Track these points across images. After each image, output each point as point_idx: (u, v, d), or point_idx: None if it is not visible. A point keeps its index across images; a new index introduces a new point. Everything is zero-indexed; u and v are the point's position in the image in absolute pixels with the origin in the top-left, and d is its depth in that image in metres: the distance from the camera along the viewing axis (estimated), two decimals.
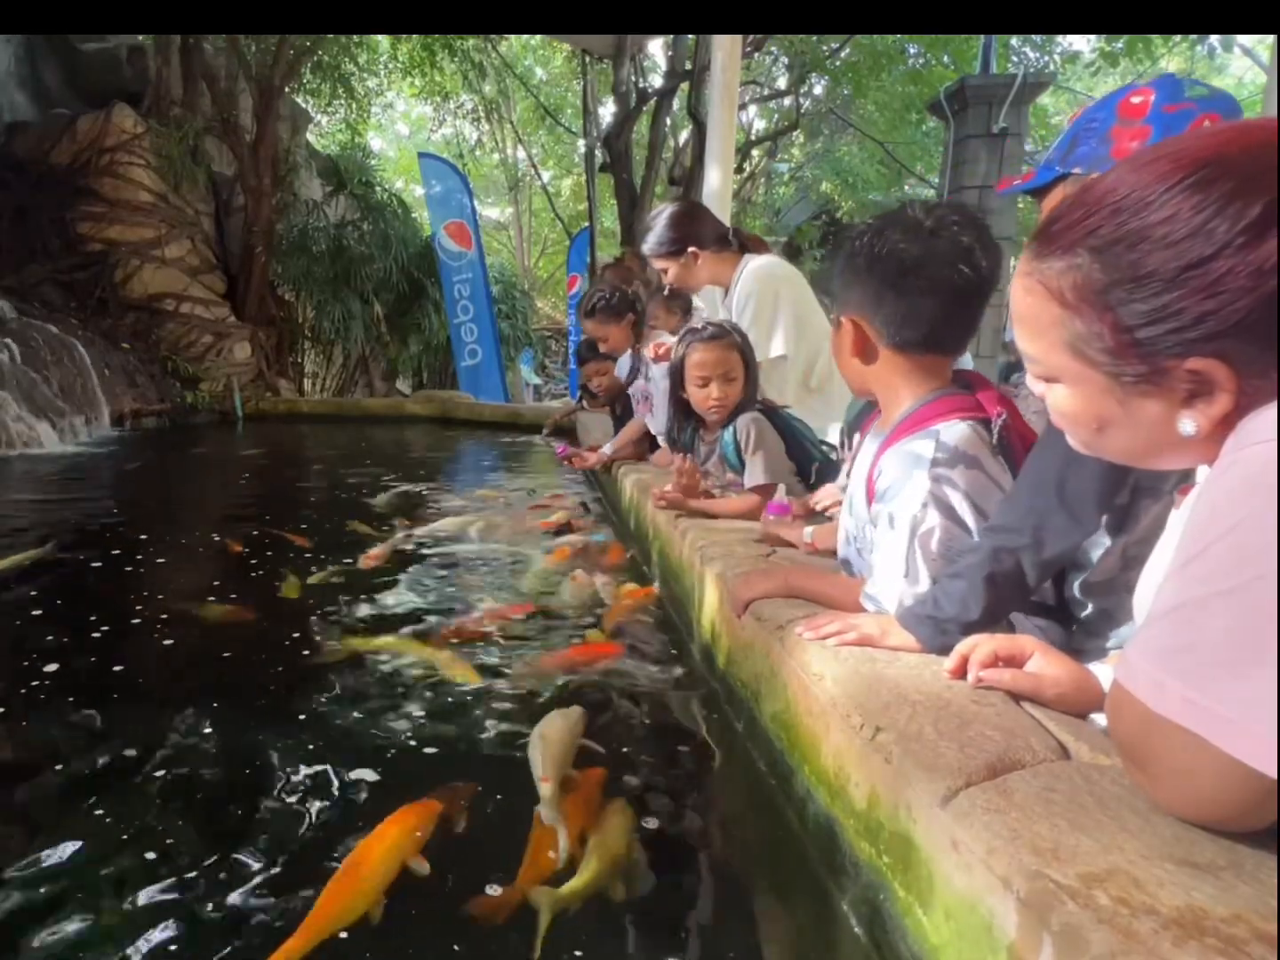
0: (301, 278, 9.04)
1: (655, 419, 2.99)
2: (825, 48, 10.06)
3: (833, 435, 2.23)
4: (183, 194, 8.11)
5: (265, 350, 8.57)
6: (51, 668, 1.58)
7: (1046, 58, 10.80)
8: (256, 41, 8.25)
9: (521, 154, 17.60)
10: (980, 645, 0.92)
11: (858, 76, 10.46)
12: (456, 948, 0.87)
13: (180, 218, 8.02)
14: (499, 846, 1.03)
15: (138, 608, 1.98)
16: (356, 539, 2.73)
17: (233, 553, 2.56)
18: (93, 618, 1.87)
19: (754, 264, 2.47)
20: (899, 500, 1.12)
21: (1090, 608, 1.03)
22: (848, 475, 1.42)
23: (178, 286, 7.86)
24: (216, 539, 2.85)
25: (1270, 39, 3.66)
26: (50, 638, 1.76)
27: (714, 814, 1.16)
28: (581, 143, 11.24)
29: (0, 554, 2.35)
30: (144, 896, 0.93)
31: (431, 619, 1.92)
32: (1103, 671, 0.87)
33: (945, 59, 10.14)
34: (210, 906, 0.91)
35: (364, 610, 1.99)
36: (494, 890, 0.94)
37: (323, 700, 1.47)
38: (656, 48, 10.68)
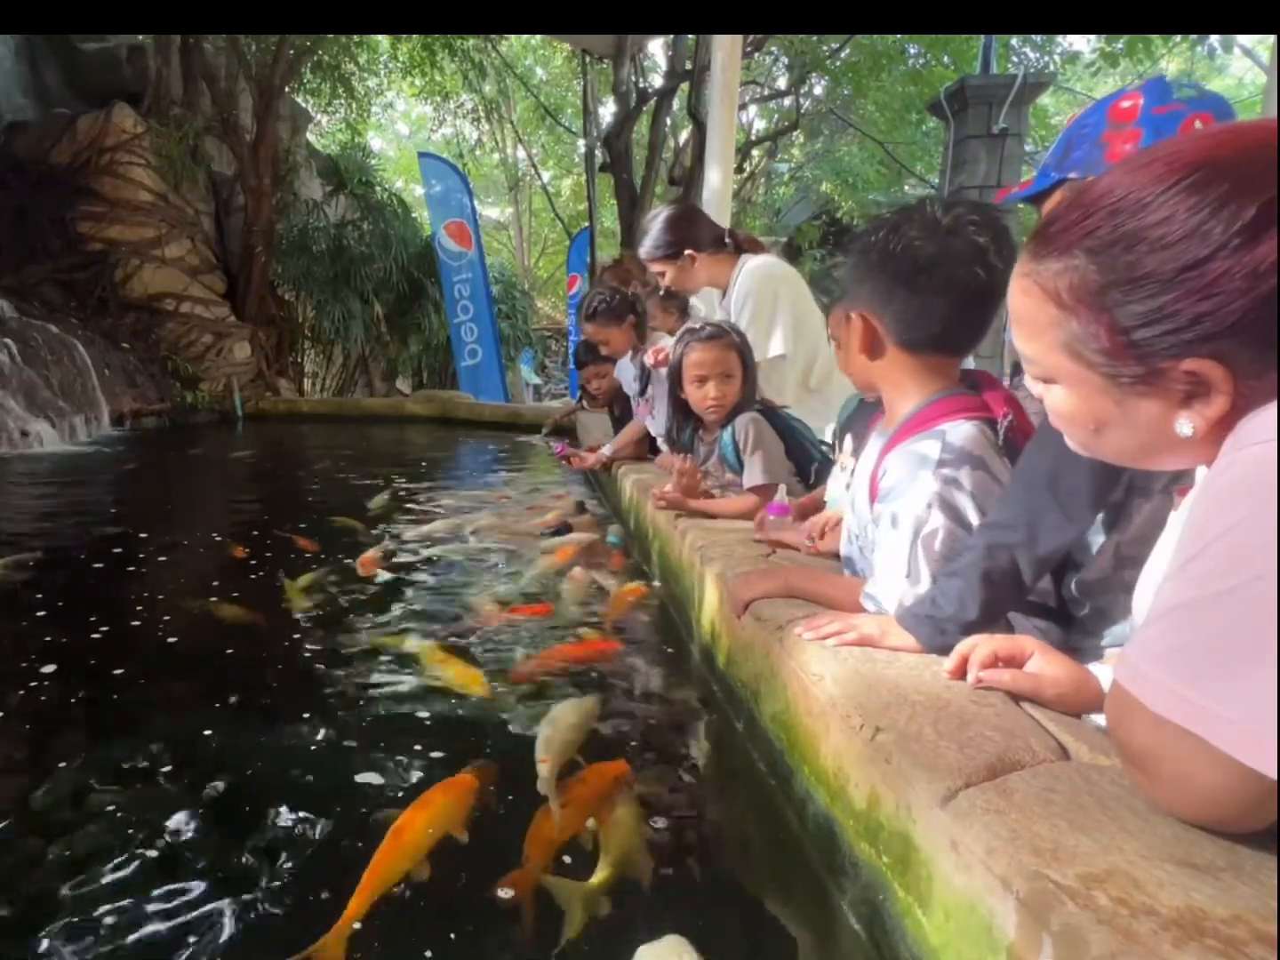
0: (301, 277, 9.04)
1: (656, 421, 2.99)
2: (825, 48, 10.05)
3: (831, 435, 2.23)
4: (183, 194, 8.11)
5: (265, 350, 8.57)
6: (50, 669, 1.58)
7: (1046, 58, 10.79)
8: (256, 41, 8.25)
9: (521, 154, 17.60)
10: (980, 645, 0.92)
11: (858, 76, 10.45)
12: (453, 937, 0.87)
13: (180, 217, 8.02)
14: (507, 833, 1.04)
15: (138, 608, 1.98)
16: (356, 539, 2.73)
17: (233, 552, 2.56)
18: (93, 618, 1.88)
19: (751, 264, 2.47)
20: (903, 500, 1.12)
21: (1086, 607, 1.03)
22: (852, 473, 1.42)
23: (178, 286, 7.86)
24: (217, 539, 2.86)
25: (1270, 39, 3.66)
26: (50, 638, 1.76)
27: (714, 814, 1.16)
28: (581, 143, 11.25)
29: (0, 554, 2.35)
30: (145, 897, 0.93)
31: (431, 619, 1.92)
32: (1102, 672, 0.87)
33: (945, 59, 10.13)
34: (214, 906, 0.91)
35: (364, 610, 1.98)
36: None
37: (325, 700, 1.47)
38: (656, 48, 10.69)
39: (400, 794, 1.14)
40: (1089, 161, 1.12)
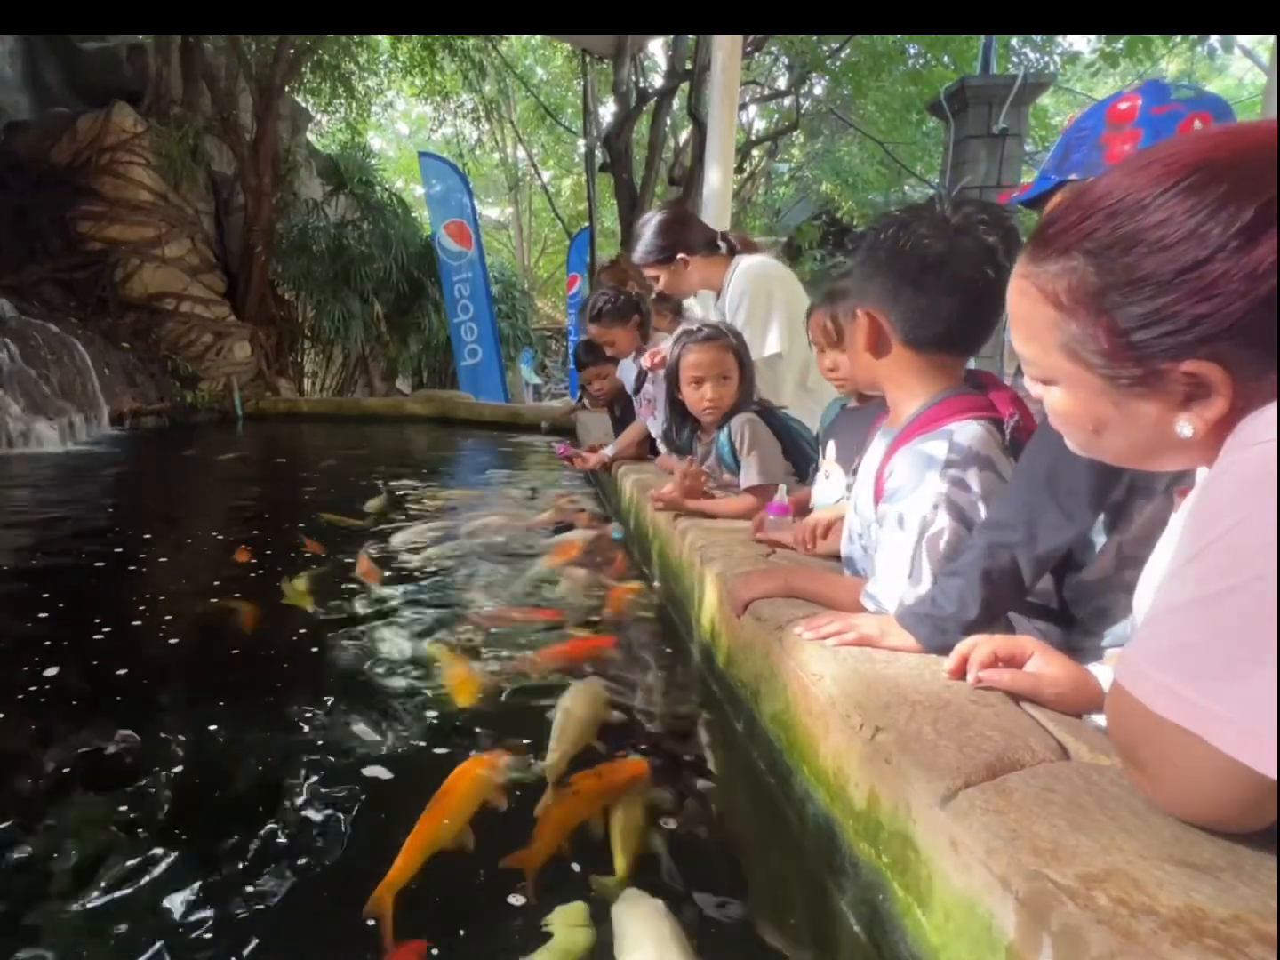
0: (301, 277, 9.03)
1: (657, 422, 2.99)
2: (825, 48, 10.04)
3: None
4: (182, 193, 8.09)
5: (265, 349, 8.56)
6: (52, 671, 1.58)
7: (1046, 58, 10.78)
8: (256, 41, 8.23)
9: (521, 154, 17.57)
10: (980, 645, 0.92)
11: (858, 76, 10.44)
12: (458, 929, 0.87)
13: (180, 217, 8.01)
14: (506, 825, 1.04)
15: (139, 608, 1.98)
16: (356, 538, 2.73)
17: (234, 552, 2.56)
18: (95, 618, 1.87)
19: (745, 264, 2.47)
20: (909, 501, 1.12)
21: (1087, 607, 1.03)
22: (853, 474, 1.42)
23: (177, 286, 7.85)
24: (218, 538, 2.86)
25: (1270, 39, 3.66)
26: (51, 639, 1.76)
27: (713, 814, 1.16)
28: (581, 142, 11.23)
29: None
30: (146, 897, 0.93)
31: (432, 619, 1.92)
32: (1102, 672, 0.87)
33: (945, 59, 10.12)
34: (217, 907, 0.92)
35: (364, 610, 1.99)
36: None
37: (327, 700, 1.47)
38: (656, 48, 10.68)
39: (408, 787, 1.15)
40: (1088, 163, 1.12)
